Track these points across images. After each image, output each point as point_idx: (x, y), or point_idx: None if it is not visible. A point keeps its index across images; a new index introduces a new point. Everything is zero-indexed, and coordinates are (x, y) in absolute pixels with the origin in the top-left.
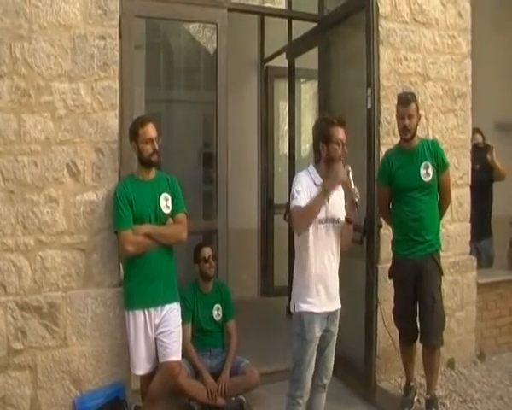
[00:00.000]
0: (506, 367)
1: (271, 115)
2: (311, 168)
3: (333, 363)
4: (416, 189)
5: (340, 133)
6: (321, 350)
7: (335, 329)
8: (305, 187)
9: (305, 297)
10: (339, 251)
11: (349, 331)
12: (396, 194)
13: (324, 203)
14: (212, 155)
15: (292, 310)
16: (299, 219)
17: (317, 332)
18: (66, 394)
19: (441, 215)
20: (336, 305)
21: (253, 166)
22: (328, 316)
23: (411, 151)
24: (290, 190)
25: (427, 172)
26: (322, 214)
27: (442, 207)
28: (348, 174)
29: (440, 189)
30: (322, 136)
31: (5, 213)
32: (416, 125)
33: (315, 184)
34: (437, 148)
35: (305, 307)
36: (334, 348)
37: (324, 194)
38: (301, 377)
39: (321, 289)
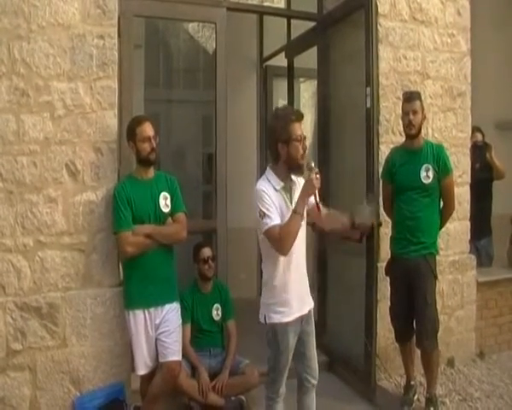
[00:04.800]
0: (506, 366)
1: (270, 115)
2: (269, 173)
3: (317, 362)
4: (416, 189)
5: (299, 129)
6: (302, 353)
7: (311, 328)
8: (271, 201)
9: (275, 307)
10: (305, 249)
11: (349, 330)
12: (396, 192)
13: (301, 223)
14: (212, 154)
15: (262, 320)
16: (283, 243)
17: (292, 340)
18: (66, 394)
19: (443, 222)
20: (309, 305)
21: (252, 166)
22: (302, 319)
23: (415, 151)
24: None
25: (427, 175)
26: (287, 216)
27: (444, 214)
28: (316, 175)
29: (442, 194)
30: (280, 136)
31: (4, 214)
32: (421, 123)
33: (275, 189)
34: (441, 152)
35: (276, 318)
36: (315, 347)
37: (300, 217)
38: (276, 381)
39: (291, 296)
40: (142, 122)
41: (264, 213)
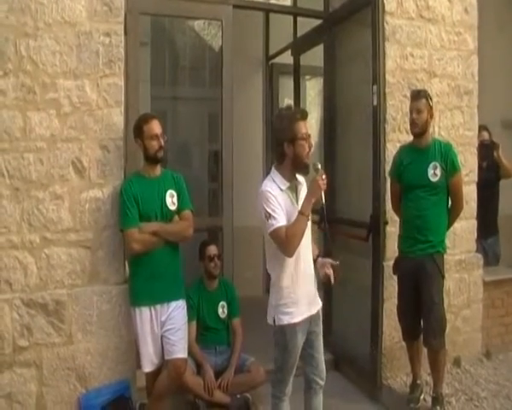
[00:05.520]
0: None
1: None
2: (274, 174)
3: (324, 363)
4: (423, 187)
5: (304, 127)
6: (310, 355)
7: (319, 329)
8: (277, 202)
9: (283, 309)
10: (311, 249)
11: (354, 329)
12: (404, 190)
13: (307, 224)
14: (218, 152)
15: (271, 322)
16: (289, 244)
17: (300, 340)
18: (72, 391)
19: (451, 221)
20: (317, 305)
21: (258, 163)
22: (311, 319)
23: (423, 149)
24: None
25: (434, 173)
26: (294, 216)
27: (452, 212)
28: (322, 176)
29: (450, 193)
30: (286, 135)
31: (11, 211)
32: (427, 121)
33: (281, 189)
34: (449, 150)
35: (286, 320)
36: (323, 348)
37: (306, 218)
38: (283, 380)
39: (299, 297)
40: (149, 120)
41: (270, 215)
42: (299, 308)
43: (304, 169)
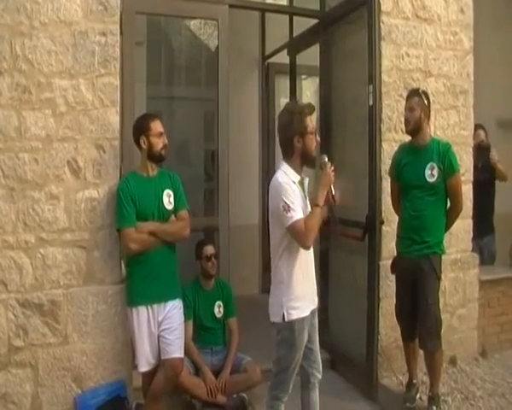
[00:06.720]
0: (508, 365)
1: (273, 112)
2: (285, 167)
3: (320, 356)
4: (420, 187)
5: (312, 122)
6: (309, 349)
7: (316, 321)
8: (295, 195)
9: (293, 303)
10: None
11: (351, 328)
12: (402, 190)
13: (322, 214)
14: (214, 151)
15: (275, 320)
16: (308, 236)
17: (306, 337)
18: (68, 391)
19: (450, 222)
20: (317, 296)
21: (255, 163)
22: (313, 312)
23: (421, 149)
24: None
25: (431, 173)
26: (304, 210)
27: (451, 213)
28: (331, 168)
29: (449, 194)
30: (296, 129)
31: (6, 211)
32: (420, 119)
33: (294, 183)
34: (447, 151)
35: (296, 314)
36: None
37: (320, 208)
38: (287, 381)
39: (307, 289)
40: (154, 118)
41: (289, 207)
42: (306, 301)
43: (311, 163)
